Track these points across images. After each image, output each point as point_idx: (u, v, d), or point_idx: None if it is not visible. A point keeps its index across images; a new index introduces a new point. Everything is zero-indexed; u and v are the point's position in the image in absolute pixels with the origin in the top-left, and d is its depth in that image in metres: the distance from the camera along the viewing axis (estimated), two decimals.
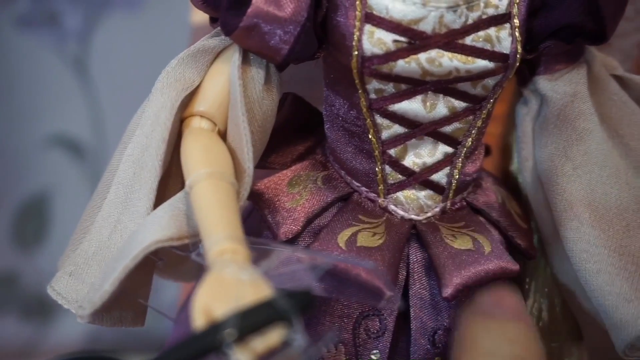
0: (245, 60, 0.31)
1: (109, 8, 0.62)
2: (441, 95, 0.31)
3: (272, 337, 0.22)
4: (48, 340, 0.69)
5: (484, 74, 0.30)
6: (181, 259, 0.32)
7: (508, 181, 0.37)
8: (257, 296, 0.23)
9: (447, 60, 0.30)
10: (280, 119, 0.34)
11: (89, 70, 0.63)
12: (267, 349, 0.22)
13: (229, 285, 0.24)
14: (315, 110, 0.36)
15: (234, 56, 0.31)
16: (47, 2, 0.61)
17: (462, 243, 0.32)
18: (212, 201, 0.28)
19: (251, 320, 0.22)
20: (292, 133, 0.36)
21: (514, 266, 0.32)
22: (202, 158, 0.29)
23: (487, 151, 0.36)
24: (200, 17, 0.47)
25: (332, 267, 0.30)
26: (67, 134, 0.64)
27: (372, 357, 0.31)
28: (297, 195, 0.33)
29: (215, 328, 0.22)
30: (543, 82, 0.33)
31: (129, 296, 0.30)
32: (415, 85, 0.30)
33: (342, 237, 0.31)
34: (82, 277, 0.30)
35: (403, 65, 0.30)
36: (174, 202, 0.30)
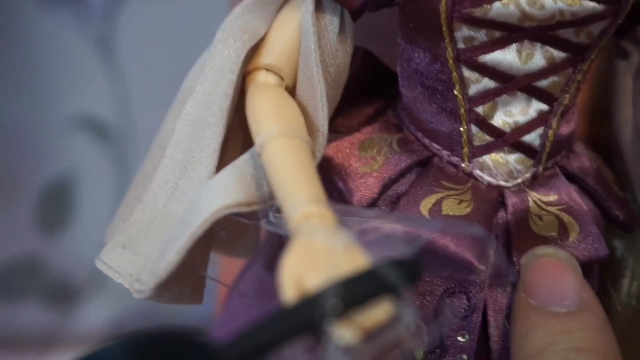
0: (318, 7, 0.28)
1: None
2: (539, 44, 0.27)
3: (379, 311, 0.19)
4: (72, 327, 0.67)
5: (590, 19, 0.27)
6: (243, 230, 0.29)
7: (598, 147, 0.33)
8: (354, 265, 0.20)
9: (550, 2, 0.26)
10: (350, 77, 0.31)
11: (113, 49, 0.60)
12: (375, 325, 0.19)
13: (320, 253, 0.21)
14: (386, 69, 0.33)
15: (305, 2, 0.28)
16: None
17: (546, 228, 0.29)
18: (288, 161, 0.25)
19: (354, 292, 0.19)
20: (360, 93, 0.32)
21: (601, 253, 0.29)
22: (272, 115, 0.26)
23: None
24: None
25: (414, 235, 0.27)
26: (92, 115, 0.62)
27: (460, 338, 0.28)
28: (370, 160, 0.30)
29: (312, 301, 0.19)
30: None
31: (188, 270, 0.27)
32: (511, 32, 0.27)
33: (425, 205, 0.28)
34: (136, 249, 0.27)
35: (500, 8, 0.26)
36: (240, 165, 0.26)
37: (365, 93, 0.32)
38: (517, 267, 0.28)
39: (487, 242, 0.26)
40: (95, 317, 0.66)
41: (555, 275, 0.27)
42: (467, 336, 0.28)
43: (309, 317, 0.19)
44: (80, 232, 0.64)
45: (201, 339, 0.19)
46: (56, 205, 0.65)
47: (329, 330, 0.19)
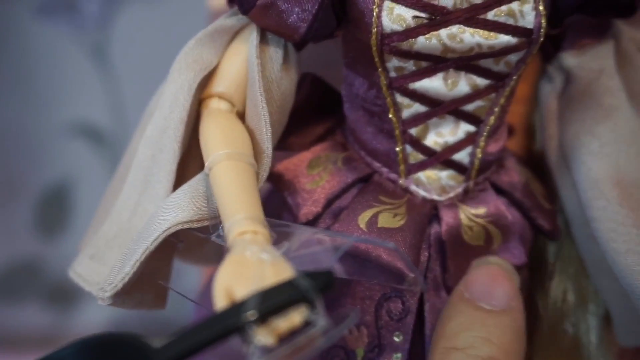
0: (263, 40, 0.31)
1: None
2: (463, 73, 0.30)
3: (294, 317, 0.22)
4: (71, 327, 0.69)
5: (506, 50, 0.30)
6: (201, 241, 0.32)
7: (531, 161, 0.36)
8: (278, 277, 0.23)
9: (468, 36, 0.29)
10: (299, 100, 0.34)
11: (108, 57, 0.63)
12: (289, 329, 0.22)
13: (250, 266, 0.24)
14: (335, 91, 0.36)
15: (251, 35, 0.31)
16: None
17: (475, 238, 0.32)
18: (231, 182, 0.28)
19: (272, 301, 0.22)
20: (311, 114, 0.35)
21: (518, 260, 0.32)
22: (221, 139, 0.29)
23: (510, 131, 0.35)
24: (217, 1, 0.46)
25: (353, 248, 0.30)
26: (88, 122, 0.65)
27: (395, 339, 0.31)
28: (317, 177, 0.32)
29: (236, 309, 0.22)
30: (568, 58, 0.33)
31: (150, 278, 0.30)
32: (436, 62, 0.30)
33: (363, 218, 0.31)
34: (103, 259, 0.30)
35: (423, 42, 0.29)
36: (194, 184, 0.29)
37: (317, 114, 0.35)
38: (451, 271, 0.31)
39: (401, 255, 0.29)
40: (94, 317, 0.68)
41: (493, 278, 0.30)
42: (401, 336, 0.31)
43: (233, 323, 0.22)
44: (78, 234, 0.66)
45: (142, 341, 0.22)
46: (54, 209, 0.67)
47: (250, 333, 0.22)
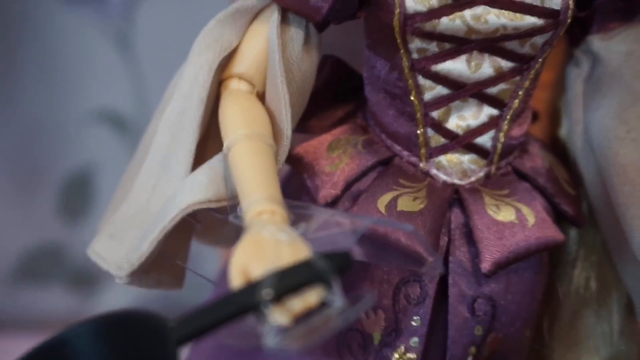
0: (284, 20, 0.30)
1: None
2: (487, 55, 0.30)
3: (310, 297, 0.22)
4: (94, 310, 0.69)
5: (532, 32, 0.29)
6: (219, 222, 0.32)
7: (556, 147, 0.35)
8: (295, 257, 0.23)
9: (493, 17, 0.28)
10: (320, 82, 0.33)
11: (132, 45, 0.63)
12: (304, 309, 0.22)
13: (266, 246, 0.23)
14: (356, 74, 0.35)
15: (272, 16, 0.30)
16: None
17: (505, 215, 0.31)
18: (250, 162, 0.27)
19: (289, 281, 0.22)
20: (332, 97, 0.35)
21: (559, 237, 0.31)
22: (240, 120, 0.29)
23: (534, 117, 0.35)
24: None
25: (371, 230, 0.29)
26: (111, 109, 0.65)
27: (413, 323, 0.31)
28: (336, 159, 0.32)
29: (252, 288, 0.22)
30: (596, 42, 0.32)
31: (168, 259, 0.30)
32: (460, 44, 0.29)
33: (382, 202, 0.31)
34: (121, 239, 0.30)
35: (447, 23, 0.28)
36: (212, 164, 0.29)
37: (338, 97, 0.35)
38: (480, 252, 0.30)
39: (420, 238, 0.29)
40: (117, 300, 0.69)
41: None
42: (419, 321, 0.31)
43: (249, 302, 0.22)
44: (100, 219, 0.67)
45: (157, 318, 0.22)
46: (77, 195, 0.68)
47: (266, 313, 0.22)
